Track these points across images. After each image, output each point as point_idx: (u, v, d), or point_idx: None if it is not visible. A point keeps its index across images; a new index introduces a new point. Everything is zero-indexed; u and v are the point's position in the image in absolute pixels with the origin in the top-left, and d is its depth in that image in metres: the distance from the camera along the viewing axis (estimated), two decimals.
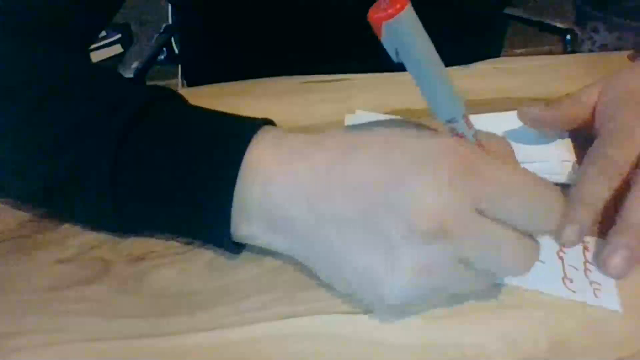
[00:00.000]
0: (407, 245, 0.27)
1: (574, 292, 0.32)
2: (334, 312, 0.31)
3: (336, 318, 0.31)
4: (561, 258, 0.34)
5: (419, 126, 0.31)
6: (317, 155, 0.30)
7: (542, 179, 0.29)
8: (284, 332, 0.31)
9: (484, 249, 0.28)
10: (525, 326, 0.31)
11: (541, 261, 0.33)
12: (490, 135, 0.31)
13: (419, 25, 0.26)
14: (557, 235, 0.31)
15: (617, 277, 0.32)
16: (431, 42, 0.27)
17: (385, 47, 0.27)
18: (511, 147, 0.32)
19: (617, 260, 0.32)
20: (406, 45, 0.26)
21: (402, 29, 0.26)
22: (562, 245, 0.34)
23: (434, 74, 0.28)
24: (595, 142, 0.37)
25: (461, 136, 0.30)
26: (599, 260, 0.33)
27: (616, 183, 0.34)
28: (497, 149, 0.31)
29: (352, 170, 0.29)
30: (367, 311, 0.31)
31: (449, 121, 0.29)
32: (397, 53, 0.27)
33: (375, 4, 0.26)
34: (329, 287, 0.32)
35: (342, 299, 0.32)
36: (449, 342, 0.30)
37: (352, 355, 0.30)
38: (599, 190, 0.34)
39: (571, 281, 0.33)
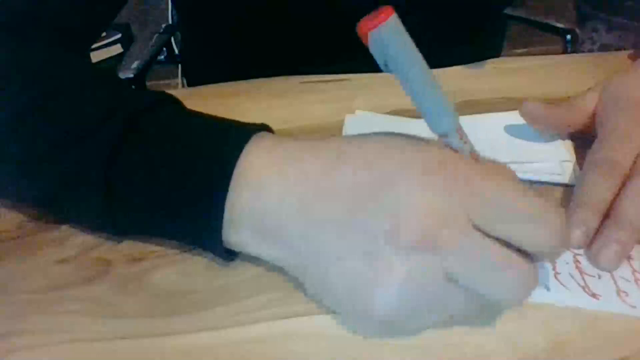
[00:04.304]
0: (393, 252, 0.27)
1: (633, 307, 0.31)
2: (334, 312, 0.31)
3: (336, 318, 0.31)
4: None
5: (417, 137, 0.30)
6: (309, 160, 0.30)
7: (542, 198, 0.27)
8: (284, 332, 0.31)
9: (472, 265, 0.26)
10: (525, 326, 0.31)
11: (591, 275, 0.33)
12: (490, 160, 0.30)
13: (405, 34, 0.27)
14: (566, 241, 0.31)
15: None
16: (419, 51, 0.27)
17: (375, 58, 0.27)
18: (511, 169, 0.30)
19: None
20: (393, 55, 0.27)
21: (387, 38, 0.27)
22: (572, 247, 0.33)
23: (422, 85, 0.27)
24: (594, 145, 0.38)
25: (456, 151, 0.29)
26: None
27: (618, 184, 0.35)
28: (494, 166, 0.29)
29: (343, 173, 0.29)
30: None
31: (442, 135, 0.29)
32: (385, 64, 0.27)
33: (364, 17, 0.27)
34: None
35: None
36: (449, 342, 0.30)
37: (351, 355, 0.30)
38: (602, 192, 0.34)
39: (627, 294, 0.31)
